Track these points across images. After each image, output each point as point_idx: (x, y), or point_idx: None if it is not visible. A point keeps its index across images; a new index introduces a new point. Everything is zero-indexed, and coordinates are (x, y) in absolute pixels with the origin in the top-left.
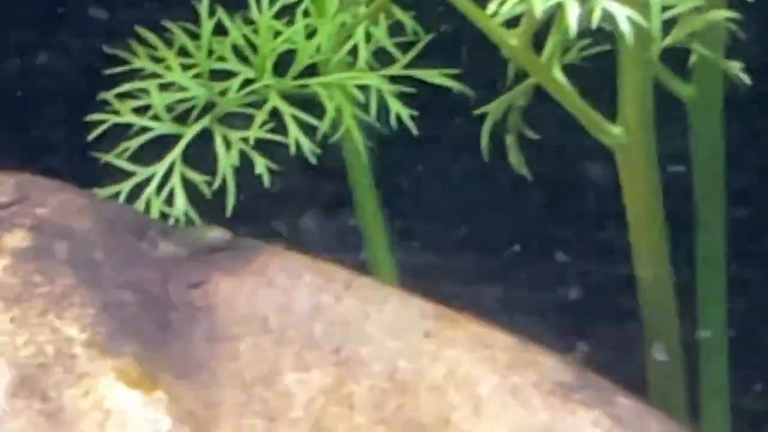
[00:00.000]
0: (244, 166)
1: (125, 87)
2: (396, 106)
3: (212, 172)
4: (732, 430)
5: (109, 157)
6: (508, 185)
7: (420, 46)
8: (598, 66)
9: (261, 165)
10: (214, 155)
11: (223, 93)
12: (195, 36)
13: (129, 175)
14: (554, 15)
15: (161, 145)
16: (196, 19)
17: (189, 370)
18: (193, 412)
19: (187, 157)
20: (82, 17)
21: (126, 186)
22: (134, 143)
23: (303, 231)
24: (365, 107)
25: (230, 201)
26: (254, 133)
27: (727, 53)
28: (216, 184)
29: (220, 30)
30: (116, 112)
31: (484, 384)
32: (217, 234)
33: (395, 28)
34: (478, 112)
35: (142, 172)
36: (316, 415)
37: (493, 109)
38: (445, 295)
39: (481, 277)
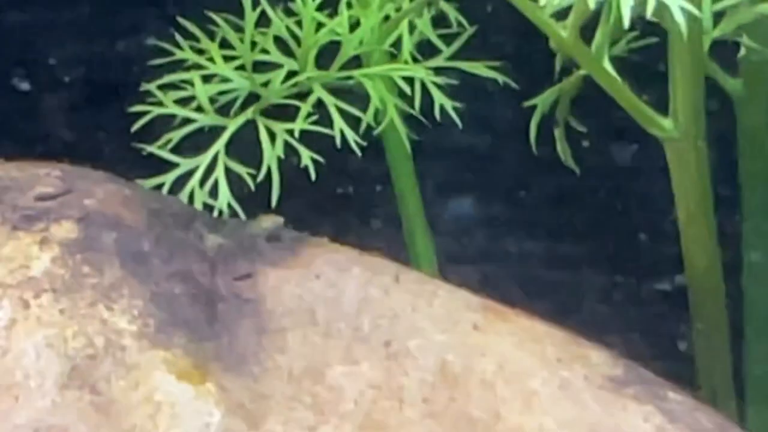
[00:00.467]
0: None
1: (169, 78)
2: (440, 98)
3: (252, 165)
4: None
5: (151, 149)
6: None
7: (464, 37)
8: (644, 59)
9: (306, 157)
10: (252, 148)
11: (264, 85)
12: (238, 28)
13: (172, 166)
14: (602, 7)
15: (198, 137)
16: (239, 11)
17: (237, 362)
18: (243, 405)
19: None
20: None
21: (170, 177)
22: (177, 135)
23: (344, 224)
24: (410, 99)
25: (275, 193)
26: (300, 125)
27: None
28: (260, 177)
29: (263, 22)
30: (160, 103)
31: (533, 378)
32: (268, 223)
33: (438, 20)
34: (527, 104)
35: (185, 163)
36: (367, 409)
37: (542, 101)
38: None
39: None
